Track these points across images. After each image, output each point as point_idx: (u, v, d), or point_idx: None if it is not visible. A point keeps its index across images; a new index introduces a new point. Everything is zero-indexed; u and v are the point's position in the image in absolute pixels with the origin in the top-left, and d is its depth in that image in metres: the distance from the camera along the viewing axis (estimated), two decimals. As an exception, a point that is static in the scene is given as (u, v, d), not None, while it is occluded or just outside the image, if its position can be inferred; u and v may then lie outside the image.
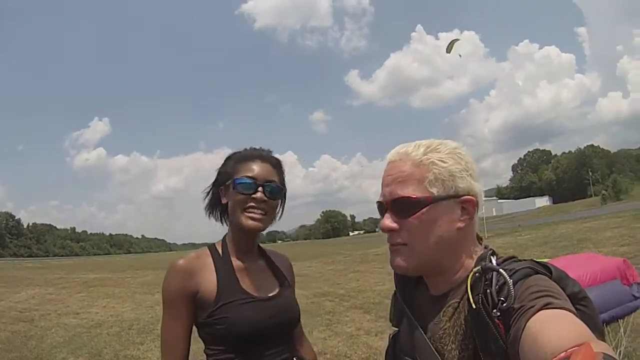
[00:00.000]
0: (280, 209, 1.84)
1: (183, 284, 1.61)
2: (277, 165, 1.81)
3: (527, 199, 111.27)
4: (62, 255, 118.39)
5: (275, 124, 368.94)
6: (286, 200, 1.86)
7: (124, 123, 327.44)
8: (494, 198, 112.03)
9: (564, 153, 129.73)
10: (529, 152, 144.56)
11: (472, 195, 1.12)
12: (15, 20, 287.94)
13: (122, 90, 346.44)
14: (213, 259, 1.71)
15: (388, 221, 1.15)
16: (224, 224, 1.84)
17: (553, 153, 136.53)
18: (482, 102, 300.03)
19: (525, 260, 1.06)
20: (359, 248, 35.31)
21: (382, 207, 1.18)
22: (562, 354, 0.72)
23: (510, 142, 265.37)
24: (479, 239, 1.20)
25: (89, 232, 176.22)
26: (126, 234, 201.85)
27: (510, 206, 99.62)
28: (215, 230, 1.86)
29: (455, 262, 1.15)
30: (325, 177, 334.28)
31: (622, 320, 5.60)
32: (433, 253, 1.13)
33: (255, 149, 1.84)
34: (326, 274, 19.58)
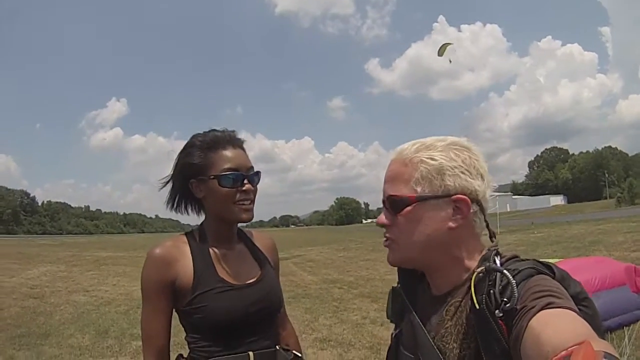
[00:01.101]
0: None
1: (161, 274, 1.58)
2: (243, 146, 1.74)
3: (542, 196, 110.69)
4: (75, 234, 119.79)
5: (293, 109, 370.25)
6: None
7: (141, 104, 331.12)
8: (509, 194, 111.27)
9: (581, 153, 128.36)
10: (546, 149, 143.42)
11: (466, 194, 1.09)
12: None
13: (140, 71, 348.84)
14: (190, 247, 1.67)
15: (381, 217, 1.19)
16: (199, 216, 1.78)
17: (570, 152, 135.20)
18: (502, 97, 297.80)
19: (528, 260, 1.05)
20: (371, 236, 35.37)
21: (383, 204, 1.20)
22: (563, 353, 0.72)
23: (529, 139, 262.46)
24: (492, 236, 1.17)
25: (103, 211, 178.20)
26: (140, 214, 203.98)
27: (525, 203, 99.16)
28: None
29: (450, 261, 1.14)
30: (341, 164, 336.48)
31: (627, 327, 5.56)
32: (421, 251, 1.13)
33: (218, 131, 1.73)
34: (337, 261, 19.69)
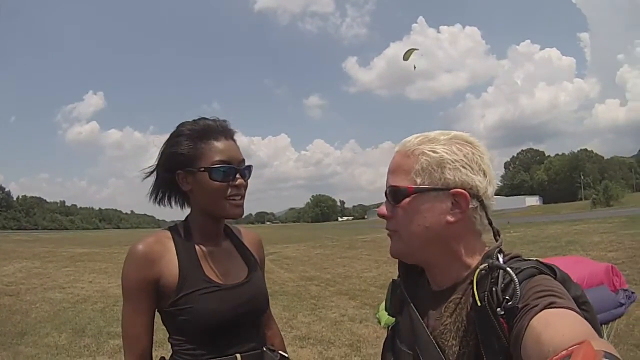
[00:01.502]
0: None
1: (143, 273, 1.49)
2: (234, 137, 1.65)
3: (518, 196, 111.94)
4: (51, 229, 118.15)
5: (270, 105, 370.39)
6: None
7: (118, 98, 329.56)
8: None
9: (557, 155, 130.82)
10: (522, 150, 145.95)
11: (466, 189, 1.08)
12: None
13: (118, 65, 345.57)
14: (175, 243, 1.57)
15: (382, 208, 1.19)
16: (183, 210, 1.69)
17: (546, 154, 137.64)
18: (479, 98, 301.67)
19: (530, 259, 1.05)
20: (348, 234, 35.51)
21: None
22: (563, 352, 0.72)
23: (505, 140, 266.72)
24: (497, 235, 1.15)
25: (78, 206, 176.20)
26: (116, 209, 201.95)
27: (500, 202, 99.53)
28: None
29: (449, 257, 1.13)
30: (317, 162, 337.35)
31: (606, 325, 5.67)
32: (420, 243, 1.13)
33: (209, 120, 1.63)
34: (313, 258, 19.73)
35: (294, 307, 9.49)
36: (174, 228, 1.63)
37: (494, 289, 0.96)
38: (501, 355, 0.92)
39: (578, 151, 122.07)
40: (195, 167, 1.53)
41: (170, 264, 1.51)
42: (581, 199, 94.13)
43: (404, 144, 1.17)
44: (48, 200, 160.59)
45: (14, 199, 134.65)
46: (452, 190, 1.08)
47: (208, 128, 1.58)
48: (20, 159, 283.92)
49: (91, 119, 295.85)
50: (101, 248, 27.39)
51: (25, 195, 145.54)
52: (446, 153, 1.10)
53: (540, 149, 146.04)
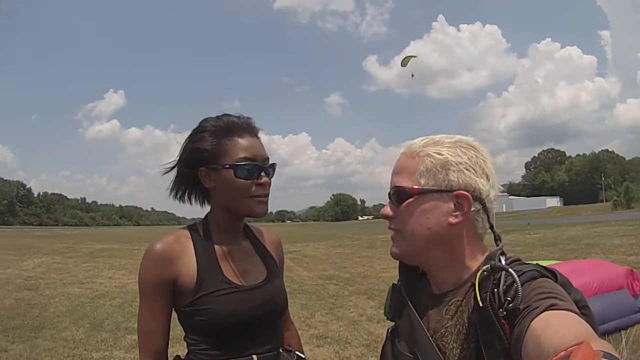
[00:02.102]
0: None
1: (160, 272, 1.48)
2: (258, 135, 1.62)
3: (538, 197, 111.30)
4: (71, 225, 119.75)
5: (290, 104, 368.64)
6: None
7: (139, 96, 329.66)
8: (505, 194, 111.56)
9: (578, 155, 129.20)
10: (543, 151, 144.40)
11: (469, 191, 1.10)
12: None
13: (138, 64, 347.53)
14: (193, 243, 1.56)
15: (385, 208, 1.21)
16: (203, 207, 1.67)
17: (567, 154, 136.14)
18: (500, 97, 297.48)
19: (531, 263, 1.07)
20: (367, 233, 35.53)
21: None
22: (562, 353, 0.73)
23: (525, 140, 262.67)
24: (497, 239, 1.16)
25: (99, 203, 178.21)
26: (136, 206, 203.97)
27: (521, 203, 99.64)
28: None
29: (451, 259, 1.14)
30: (338, 161, 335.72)
31: (624, 331, 5.58)
32: (422, 244, 1.14)
33: (233, 116, 1.60)
34: (333, 257, 19.73)
35: (312, 306, 9.51)
36: (193, 227, 1.62)
37: (495, 290, 0.97)
38: (503, 356, 0.92)
39: (599, 152, 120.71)
40: (220, 164, 1.51)
41: (188, 264, 1.50)
42: (602, 201, 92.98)
43: (409, 146, 1.20)
44: (69, 197, 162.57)
45: (35, 195, 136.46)
46: (455, 192, 1.10)
47: (232, 124, 1.55)
48: (42, 157, 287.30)
49: (112, 117, 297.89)
50: (121, 244, 27.79)
51: (46, 192, 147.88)
52: (451, 155, 1.12)
53: (561, 149, 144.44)
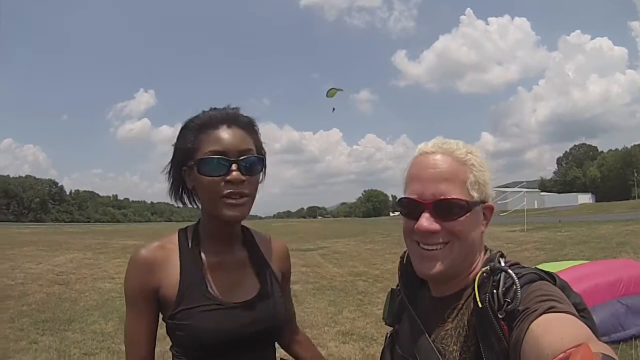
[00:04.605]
0: (263, 178, 1.48)
1: (143, 279, 1.39)
2: (248, 126, 1.43)
3: (570, 194, 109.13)
4: (103, 222, 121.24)
5: (320, 100, 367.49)
6: (267, 166, 1.49)
7: (169, 95, 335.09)
8: (537, 190, 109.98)
9: (610, 150, 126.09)
10: (575, 146, 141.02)
11: (491, 202, 1.17)
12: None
13: (168, 63, 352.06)
14: (180, 251, 1.44)
15: (428, 223, 1.10)
16: (196, 206, 1.54)
17: (599, 149, 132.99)
18: (530, 92, 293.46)
19: (529, 267, 1.08)
20: (398, 229, 34.98)
21: (415, 206, 1.13)
22: (561, 355, 0.73)
23: (557, 135, 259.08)
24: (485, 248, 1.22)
25: (130, 200, 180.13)
26: (168, 203, 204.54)
27: (553, 200, 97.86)
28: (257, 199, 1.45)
29: (470, 265, 1.16)
30: (369, 157, 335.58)
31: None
32: (466, 256, 1.14)
33: (217, 109, 1.44)
34: (363, 253, 19.70)
35: (340, 302, 9.55)
36: (183, 232, 1.51)
37: (495, 291, 0.99)
38: (501, 357, 0.94)
39: (632, 147, 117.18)
40: (192, 162, 1.38)
41: (170, 275, 1.40)
42: (635, 197, 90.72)
43: (448, 149, 1.16)
44: (101, 194, 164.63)
45: (67, 193, 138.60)
46: (486, 204, 1.16)
47: (209, 118, 1.41)
48: (74, 156, 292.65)
49: (142, 116, 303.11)
50: (152, 240, 27.86)
51: (78, 190, 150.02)
52: (486, 169, 1.16)
53: (593, 144, 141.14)
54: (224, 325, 1.36)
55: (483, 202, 1.14)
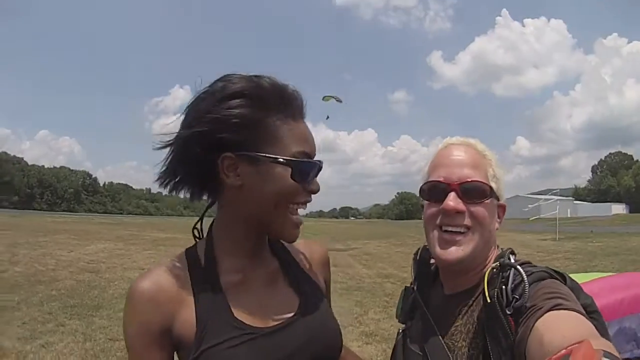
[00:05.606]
0: None
1: (147, 320, 1.03)
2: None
3: (604, 203, 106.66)
4: (136, 214, 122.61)
5: (355, 100, 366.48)
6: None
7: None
8: (571, 199, 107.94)
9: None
10: (610, 154, 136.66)
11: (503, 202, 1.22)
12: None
13: (203, 60, 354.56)
14: (190, 275, 1.09)
15: (455, 202, 1.13)
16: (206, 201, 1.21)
17: (635, 158, 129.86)
18: (567, 96, 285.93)
19: (540, 266, 1.09)
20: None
21: (441, 188, 1.17)
22: (563, 351, 0.73)
23: (593, 142, 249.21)
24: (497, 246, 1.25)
25: (164, 194, 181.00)
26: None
27: (586, 209, 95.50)
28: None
29: (484, 260, 1.18)
30: (404, 158, 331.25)
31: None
32: (483, 248, 1.17)
33: (279, 85, 1.07)
34: (393, 256, 19.58)
35: (366, 303, 9.57)
36: (191, 251, 1.16)
37: (504, 287, 1.01)
38: (509, 352, 0.95)
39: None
40: (264, 153, 1.03)
41: (184, 307, 1.05)
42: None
43: (472, 144, 1.23)
44: (134, 187, 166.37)
45: (101, 185, 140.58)
46: (500, 202, 1.21)
47: (286, 97, 1.07)
48: (108, 149, 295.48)
49: (178, 112, 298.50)
50: (183, 234, 28.18)
51: (111, 182, 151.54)
52: (501, 169, 1.23)
53: (629, 153, 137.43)
54: (265, 358, 1.05)
55: (498, 198, 1.19)
